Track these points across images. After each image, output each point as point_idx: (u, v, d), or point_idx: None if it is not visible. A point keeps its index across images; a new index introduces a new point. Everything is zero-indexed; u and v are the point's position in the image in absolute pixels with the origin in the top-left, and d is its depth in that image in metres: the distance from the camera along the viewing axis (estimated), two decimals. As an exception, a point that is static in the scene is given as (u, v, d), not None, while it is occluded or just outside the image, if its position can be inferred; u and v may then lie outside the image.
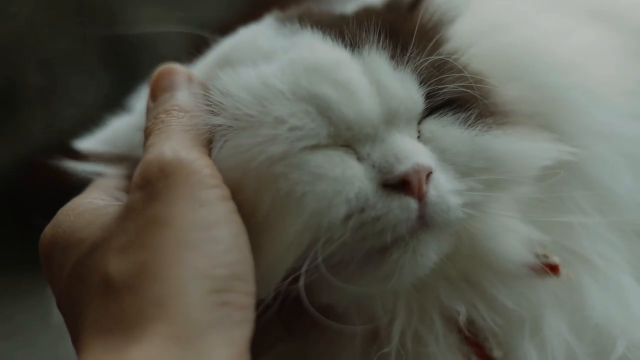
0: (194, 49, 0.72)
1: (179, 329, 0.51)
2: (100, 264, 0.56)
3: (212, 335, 0.52)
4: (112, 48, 1.39)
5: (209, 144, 0.61)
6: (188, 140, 0.60)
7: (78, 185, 0.70)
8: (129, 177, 0.64)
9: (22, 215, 0.90)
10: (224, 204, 0.57)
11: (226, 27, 0.73)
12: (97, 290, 0.55)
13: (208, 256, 0.54)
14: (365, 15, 0.66)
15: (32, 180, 1.36)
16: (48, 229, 0.62)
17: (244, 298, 0.55)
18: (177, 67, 0.67)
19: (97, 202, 0.61)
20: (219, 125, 0.61)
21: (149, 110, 0.65)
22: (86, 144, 0.70)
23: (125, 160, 0.68)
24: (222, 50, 0.69)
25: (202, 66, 0.70)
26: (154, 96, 0.65)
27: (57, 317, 0.62)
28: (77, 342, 0.56)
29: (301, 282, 0.57)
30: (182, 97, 0.64)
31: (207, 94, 0.64)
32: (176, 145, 0.59)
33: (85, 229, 0.59)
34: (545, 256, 0.64)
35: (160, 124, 0.62)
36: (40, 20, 1.36)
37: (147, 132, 0.62)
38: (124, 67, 1.37)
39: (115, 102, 0.75)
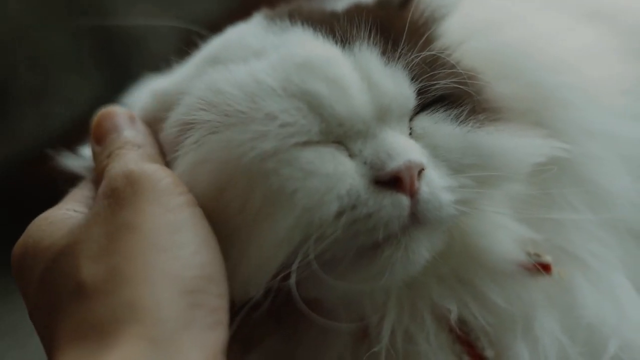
0: (186, 46, 0.72)
1: (151, 330, 0.51)
2: (70, 271, 0.56)
3: (185, 336, 0.52)
4: (104, 46, 1.38)
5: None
6: (148, 160, 0.62)
7: (70, 184, 0.70)
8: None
9: (13, 214, 0.90)
10: (190, 209, 0.58)
11: (218, 24, 0.73)
12: (69, 297, 0.55)
13: (177, 258, 0.55)
14: (356, 12, 0.66)
15: (24, 179, 1.35)
16: (20, 241, 0.62)
17: (216, 300, 0.55)
18: (117, 109, 0.68)
19: (69, 213, 0.62)
20: (209, 121, 0.61)
21: (96, 155, 0.66)
22: (71, 163, 0.71)
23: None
24: (211, 49, 0.69)
25: (191, 64, 0.69)
26: (99, 139, 0.66)
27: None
28: (51, 351, 0.56)
29: (292, 280, 0.57)
30: (131, 134, 0.65)
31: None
32: (138, 160, 0.61)
33: (52, 236, 0.59)
34: (537, 255, 0.64)
35: (116, 157, 0.63)
36: (31, 19, 1.36)
37: (101, 170, 0.63)
38: (116, 66, 1.37)
39: (107, 101, 0.75)
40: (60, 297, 0.55)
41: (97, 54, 1.40)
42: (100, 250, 0.56)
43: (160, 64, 0.74)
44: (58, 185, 0.69)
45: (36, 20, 1.36)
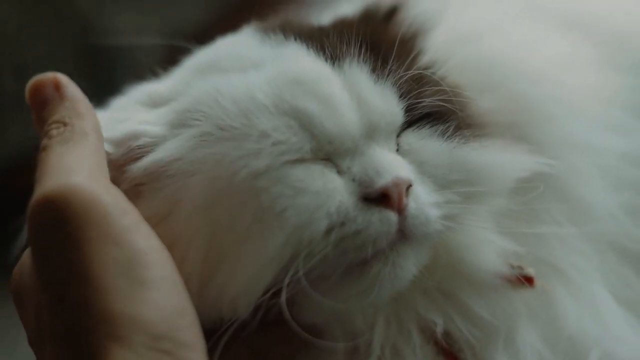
0: (170, 56, 0.72)
1: None
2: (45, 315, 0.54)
3: None
4: (88, 55, 1.38)
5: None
6: (74, 164, 0.56)
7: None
8: None
9: (-1, 221, 0.90)
10: (136, 232, 0.54)
11: (203, 35, 0.73)
12: (49, 340, 0.53)
13: (140, 303, 0.52)
14: (344, 28, 0.66)
15: (9, 186, 1.35)
16: (17, 268, 0.60)
17: (186, 335, 0.53)
18: (41, 79, 0.63)
19: None
20: (203, 130, 0.61)
21: (40, 133, 0.61)
22: None
23: None
24: (204, 58, 0.69)
25: (180, 73, 0.69)
26: (37, 114, 0.62)
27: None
28: None
29: (283, 297, 0.57)
30: (57, 108, 0.61)
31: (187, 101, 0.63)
32: (65, 178, 0.54)
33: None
34: (520, 267, 0.64)
35: (43, 153, 0.58)
36: (16, 27, 1.35)
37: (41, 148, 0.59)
38: (99, 74, 1.37)
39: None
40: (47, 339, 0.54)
41: (81, 63, 1.39)
42: (56, 301, 0.52)
43: (145, 73, 0.73)
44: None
45: (21, 29, 1.36)
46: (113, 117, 0.66)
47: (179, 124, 0.63)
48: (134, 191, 0.62)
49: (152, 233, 0.56)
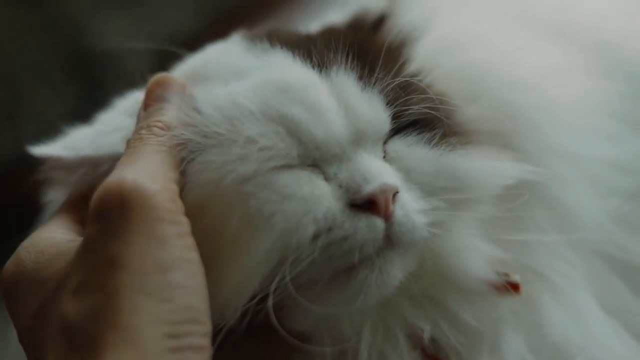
0: (160, 63, 0.72)
1: None
2: (58, 306, 0.55)
3: None
4: (77, 62, 1.38)
5: (181, 164, 0.60)
6: (156, 165, 0.59)
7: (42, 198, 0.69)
8: (88, 191, 0.63)
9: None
10: (182, 241, 0.56)
11: (192, 41, 0.73)
12: (56, 334, 0.54)
13: (164, 301, 0.53)
14: (331, 36, 0.66)
15: (-2, 193, 1.35)
16: (10, 265, 0.60)
17: (200, 340, 0.54)
18: (173, 78, 0.65)
19: (56, 237, 0.61)
20: (188, 140, 0.61)
21: (138, 120, 0.64)
22: (44, 149, 0.68)
23: (85, 164, 0.66)
24: (191, 66, 0.69)
25: None
26: (146, 105, 0.64)
27: (14, 344, 0.61)
28: None
29: (270, 302, 0.57)
30: (170, 112, 0.63)
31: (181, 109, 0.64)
32: (140, 172, 0.57)
33: (50, 267, 0.58)
34: (506, 274, 0.65)
35: (138, 142, 0.61)
36: (5, 34, 1.35)
37: (127, 145, 0.61)
38: (89, 81, 1.37)
39: (81, 117, 0.75)
40: (51, 333, 0.55)
41: (71, 69, 1.39)
42: (85, 284, 0.54)
43: (134, 80, 0.74)
44: (31, 200, 0.69)
45: (10, 36, 1.36)
46: (96, 132, 0.67)
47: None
48: None
49: (194, 247, 0.56)
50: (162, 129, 0.61)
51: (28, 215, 0.67)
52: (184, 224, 0.57)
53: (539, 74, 0.70)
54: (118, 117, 0.68)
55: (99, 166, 0.65)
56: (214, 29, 0.74)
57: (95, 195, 0.56)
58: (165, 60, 0.71)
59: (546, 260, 0.66)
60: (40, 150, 0.67)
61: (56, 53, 1.38)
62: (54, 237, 0.61)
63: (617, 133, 0.70)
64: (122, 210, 0.55)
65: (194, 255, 0.56)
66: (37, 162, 0.68)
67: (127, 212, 0.55)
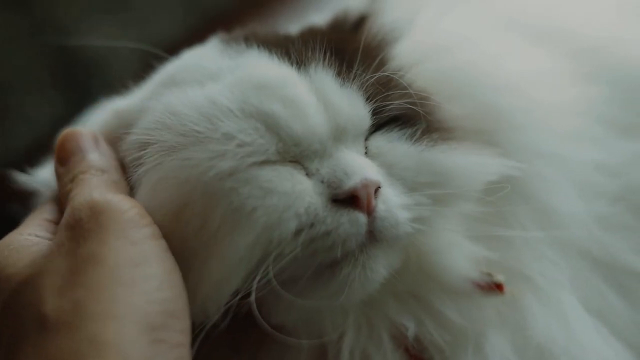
0: (147, 68, 0.72)
1: None
2: (34, 302, 0.55)
3: None
4: (65, 67, 1.38)
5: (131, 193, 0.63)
6: (112, 188, 0.62)
7: (28, 204, 0.70)
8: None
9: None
10: (155, 242, 0.58)
11: (179, 46, 0.73)
12: (31, 329, 0.54)
13: (141, 293, 0.55)
14: (310, 35, 0.67)
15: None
16: None
17: (179, 336, 0.55)
18: (81, 131, 0.67)
19: (31, 239, 0.61)
20: (165, 142, 0.61)
21: (60, 176, 0.66)
22: (24, 179, 0.70)
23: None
24: (167, 72, 0.69)
25: (149, 86, 0.70)
26: (62, 161, 0.66)
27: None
28: None
29: (253, 297, 0.57)
30: (95, 157, 0.65)
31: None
32: (103, 190, 0.61)
33: (15, 264, 0.59)
34: (490, 274, 0.65)
35: (80, 183, 0.63)
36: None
37: (64, 194, 0.63)
38: (76, 86, 1.36)
39: (68, 121, 0.75)
40: (23, 328, 0.55)
41: (58, 74, 1.39)
42: (64, 283, 0.55)
43: (121, 84, 0.74)
44: (18, 205, 0.69)
45: (-2, 43, 1.36)
46: None
47: (143, 144, 0.63)
48: None
49: (167, 248, 0.59)
50: (97, 171, 0.64)
51: (12, 219, 0.67)
52: (154, 228, 0.59)
53: (523, 77, 0.70)
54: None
55: None
56: (201, 35, 0.74)
57: (66, 215, 0.59)
58: (151, 65, 0.72)
59: (530, 261, 0.66)
60: (21, 179, 0.69)
61: (44, 58, 1.38)
62: (28, 238, 0.61)
63: (602, 137, 0.70)
64: (94, 217, 0.58)
65: (167, 255, 0.58)
66: (24, 169, 0.69)
67: (99, 218, 0.58)
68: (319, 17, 0.76)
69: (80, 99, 0.74)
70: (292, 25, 0.74)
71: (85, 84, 1.38)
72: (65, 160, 0.66)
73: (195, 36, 0.76)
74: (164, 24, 1.46)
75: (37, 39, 1.37)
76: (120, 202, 0.59)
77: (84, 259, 0.56)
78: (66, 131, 0.67)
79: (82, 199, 0.60)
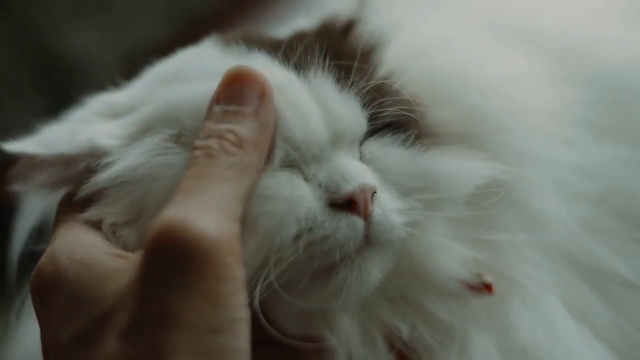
0: (127, 72, 0.72)
1: None
2: (105, 340, 0.53)
3: None
4: (46, 71, 1.38)
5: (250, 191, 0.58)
6: (223, 200, 0.55)
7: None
8: (63, 180, 0.63)
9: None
10: (237, 299, 0.54)
11: (163, 50, 0.73)
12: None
13: None
14: (306, 40, 0.67)
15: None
16: (48, 268, 0.57)
17: None
18: (258, 76, 0.60)
19: (94, 247, 0.58)
20: (168, 135, 0.61)
21: (210, 114, 0.59)
22: (17, 145, 0.65)
23: (59, 162, 0.64)
24: (165, 70, 0.69)
25: (141, 83, 0.69)
26: (221, 97, 0.60)
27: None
28: None
29: (256, 301, 0.58)
30: (246, 122, 0.58)
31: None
32: (206, 213, 0.53)
33: (97, 289, 0.55)
34: (479, 275, 0.65)
35: (206, 159, 0.57)
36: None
37: (193, 156, 0.57)
38: (57, 92, 1.36)
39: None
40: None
41: (39, 79, 1.39)
42: (134, 331, 0.53)
43: (102, 88, 0.73)
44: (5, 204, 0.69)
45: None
46: (70, 130, 0.66)
47: (141, 132, 0.63)
48: (98, 195, 0.62)
49: (245, 303, 0.55)
50: (234, 144, 0.57)
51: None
52: (239, 279, 0.54)
53: (505, 80, 0.71)
54: (90, 117, 0.67)
55: (74, 164, 0.64)
56: (183, 38, 0.74)
57: (156, 233, 0.53)
58: (132, 69, 0.71)
59: (515, 263, 0.66)
60: (13, 146, 0.65)
61: (24, 62, 1.37)
62: (92, 246, 0.59)
63: (581, 139, 0.71)
64: (183, 263, 0.52)
65: (244, 313, 0.54)
66: (6, 163, 0.67)
67: (187, 266, 0.52)
68: (302, 20, 0.76)
69: (61, 104, 0.74)
70: (274, 30, 0.74)
71: (65, 89, 1.37)
72: (223, 99, 0.59)
73: (176, 40, 0.76)
74: (145, 28, 1.46)
75: (17, 44, 1.36)
76: (219, 248, 0.53)
77: (161, 314, 0.52)
78: (240, 68, 0.60)
79: (178, 222, 0.52)
